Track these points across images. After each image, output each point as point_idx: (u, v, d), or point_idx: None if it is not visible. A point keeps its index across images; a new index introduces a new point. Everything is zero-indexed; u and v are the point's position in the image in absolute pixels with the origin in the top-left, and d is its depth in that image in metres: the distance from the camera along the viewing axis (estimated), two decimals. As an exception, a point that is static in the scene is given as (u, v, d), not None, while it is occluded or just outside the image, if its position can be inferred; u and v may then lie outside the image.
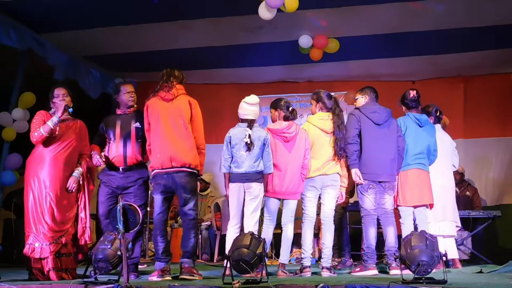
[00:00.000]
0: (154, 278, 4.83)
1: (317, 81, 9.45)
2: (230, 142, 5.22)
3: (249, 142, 5.12)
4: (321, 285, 3.87)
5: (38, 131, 5.05)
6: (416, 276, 4.10)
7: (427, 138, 5.86)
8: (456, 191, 7.99)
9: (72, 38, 7.48)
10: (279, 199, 5.41)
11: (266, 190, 5.33)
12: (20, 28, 6.86)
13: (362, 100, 5.82)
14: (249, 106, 5.29)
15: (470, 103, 9.18)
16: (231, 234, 5.12)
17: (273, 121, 5.58)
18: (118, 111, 5.46)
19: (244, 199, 5.22)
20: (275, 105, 5.53)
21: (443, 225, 6.19)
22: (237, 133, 5.23)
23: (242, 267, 4.25)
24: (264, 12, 6.29)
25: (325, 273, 5.22)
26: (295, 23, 7.14)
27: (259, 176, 5.21)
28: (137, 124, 5.30)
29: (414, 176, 5.69)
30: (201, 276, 4.87)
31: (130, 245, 4.40)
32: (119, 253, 4.24)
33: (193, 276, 4.78)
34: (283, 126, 5.39)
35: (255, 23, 6.94)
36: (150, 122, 5.11)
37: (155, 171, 5.02)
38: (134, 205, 4.40)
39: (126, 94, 5.41)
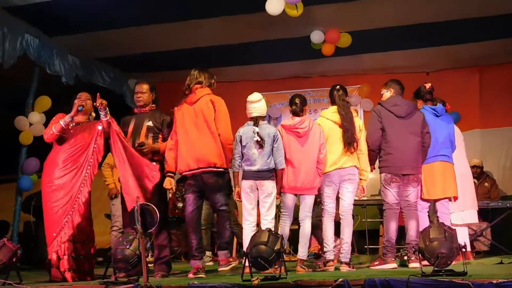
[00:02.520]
0: (190, 275, 4.93)
1: (331, 75, 9.42)
2: (240, 141, 5.24)
3: (259, 139, 5.14)
4: (340, 279, 3.86)
5: (50, 129, 5.14)
6: (435, 268, 4.08)
7: (446, 126, 5.84)
8: (474, 183, 7.99)
9: (85, 40, 7.53)
10: (296, 195, 5.41)
11: (281, 186, 5.34)
12: (27, 35, 6.95)
13: (387, 94, 5.75)
14: (251, 104, 5.32)
15: (486, 92, 9.09)
16: (248, 232, 5.13)
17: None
18: (136, 110, 5.52)
19: (258, 197, 5.25)
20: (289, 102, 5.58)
21: (466, 214, 6.24)
22: (247, 131, 5.25)
23: (260, 264, 4.25)
24: (272, 7, 6.30)
25: (344, 268, 5.21)
26: (306, 19, 7.12)
27: (271, 174, 5.23)
28: (149, 123, 5.32)
29: (439, 169, 5.68)
30: (237, 261, 5.14)
31: (148, 245, 4.42)
32: (138, 253, 4.27)
33: (231, 264, 5.05)
34: (296, 122, 5.38)
35: (266, 20, 6.94)
36: (177, 127, 5.18)
37: (183, 173, 5.13)
38: (152, 205, 4.41)
39: (135, 94, 5.49)
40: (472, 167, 8.05)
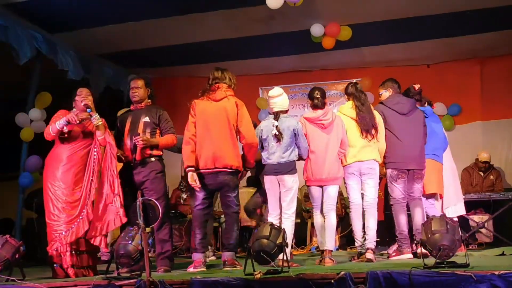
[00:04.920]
0: (191, 269, 4.96)
1: (331, 69, 9.41)
2: (261, 135, 5.31)
3: (277, 133, 5.18)
4: (342, 272, 3.86)
5: (48, 130, 5.14)
6: (437, 260, 4.09)
7: (435, 127, 6.04)
8: (480, 175, 8.05)
9: (85, 36, 7.52)
10: (321, 186, 5.41)
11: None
12: (31, 31, 6.93)
13: (386, 94, 5.88)
14: (271, 99, 5.38)
15: (487, 84, 9.06)
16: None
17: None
18: (132, 107, 5.51)
19: (280, 191, 5.27)
20: (308, 96, 5.61)
21: (458, 207, 6.41)
22: (267, 125, 5.32)
23: (262, 258, 4.26)
24: (272, 2, 6.30)
25: (370, 254, 5.25)
26: (306, 12, 7.10)
27: (291, 168, 5.25)
28: (146, 119, 5.31)
29: (429, 166, 5.78)
30: (242, 266, 4.95)
31: (150, 240, 4.42)
32: (140, 248, 4.28)
33: (235, 267, 4.98)
34: (319, 114, 5.41)
35: (266, 14, 6.91)
36: (197, 121, 5.18)
37: (198, 170, 5.12)
38: (154, 200, 4.42)
39: (130, 90, 5.47)
40: (483, 162, 8.11)
